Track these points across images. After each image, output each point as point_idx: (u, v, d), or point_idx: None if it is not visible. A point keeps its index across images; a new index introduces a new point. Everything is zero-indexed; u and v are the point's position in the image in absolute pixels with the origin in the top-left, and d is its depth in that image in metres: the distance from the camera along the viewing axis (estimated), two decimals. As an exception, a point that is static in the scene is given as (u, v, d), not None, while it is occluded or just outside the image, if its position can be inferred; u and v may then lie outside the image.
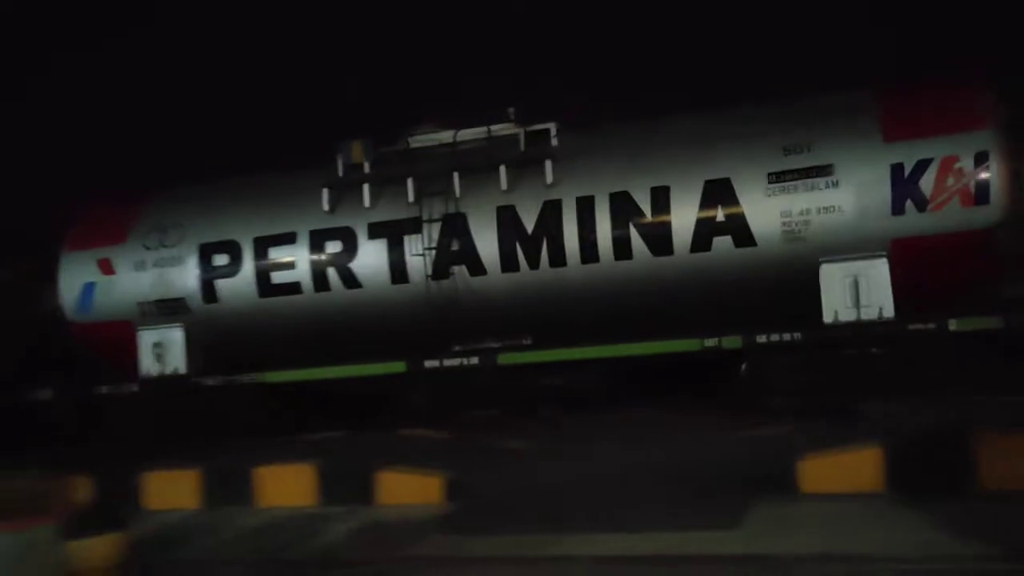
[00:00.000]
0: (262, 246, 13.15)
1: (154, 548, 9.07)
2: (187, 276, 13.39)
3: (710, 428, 11.03)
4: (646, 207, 11.89)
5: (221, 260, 13.28)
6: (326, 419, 13.37)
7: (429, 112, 13.61)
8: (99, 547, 8.03)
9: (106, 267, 13.70)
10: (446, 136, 13.01)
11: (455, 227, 12.48)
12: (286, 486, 10.40)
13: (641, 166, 12.07)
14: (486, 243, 12.40)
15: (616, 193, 11.99)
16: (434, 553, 8.27)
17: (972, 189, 10.97)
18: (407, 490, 9.93)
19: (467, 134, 12.97)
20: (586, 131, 12.85)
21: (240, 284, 13.23)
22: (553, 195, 12.21)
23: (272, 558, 8.68)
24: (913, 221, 11.13)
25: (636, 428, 11.66)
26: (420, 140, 13.19)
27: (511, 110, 13.07)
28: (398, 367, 12.78)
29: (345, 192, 12.99)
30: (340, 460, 10.76)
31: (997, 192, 10.91)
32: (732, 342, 11.72)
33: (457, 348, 12.80)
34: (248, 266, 13.19)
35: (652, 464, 9.89)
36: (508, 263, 12.33)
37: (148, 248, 13.55)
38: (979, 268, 10.99)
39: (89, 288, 13.70)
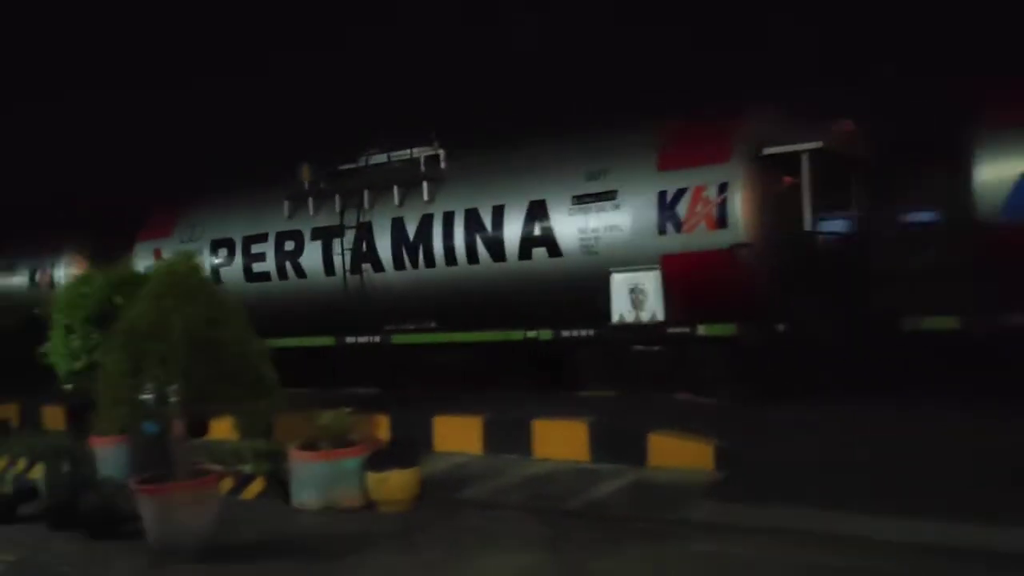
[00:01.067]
0: (247, 243, 17.18)
1: (441, 486, 10.01)
2: (204, 264, 17.63)
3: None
4: (488, 221, 14.58)
5: (223, 253, 17.48)
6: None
7: (379, 135, 16.77)
8: (395, 480, 9.42)
9: (158, 255, 18.15)
10: (361, 161, 16.31)
11: (364, 233, 15.82)
12: (561, 440, 11.04)
13: (486, 187, 14.77)
14: (384, 247, 15.63)
15: (469, 209, 14.76)
16: (704, 519, 8.26)
17: (715, 214, 12.72)
18: (678, 454, 10.10)
19: (377, 158, 16.20)
20: (463, 156, 15.58)
21: (234, 272, 17.37)
22: (429, 210, 15.20)
23: (547, 506, 9.11)
24: (674, 240, 13.04)
25: (933, 407, 10.97)
26: (363, 161, 16.50)
27: (432, 134, 16.02)
28: (329, 341, 16.41)
29: (300, 202, 16.69)
30: (613, 420, 11.15)
31: (736, 217, 12.58)
32: (545, 334, 14.23)
33: (389, 327, 16.12)
34: (238, 258, 17.28)
35: (954, 446, 9.22)
36: (398, 263, 15.51)
37: (182, 241, 18.01)
38: (730, 281, 12.69)
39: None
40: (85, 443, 11.56)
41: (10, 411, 16.70)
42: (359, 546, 8.32)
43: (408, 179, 15.58)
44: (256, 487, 10.48)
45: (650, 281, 13.31)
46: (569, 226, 13.86)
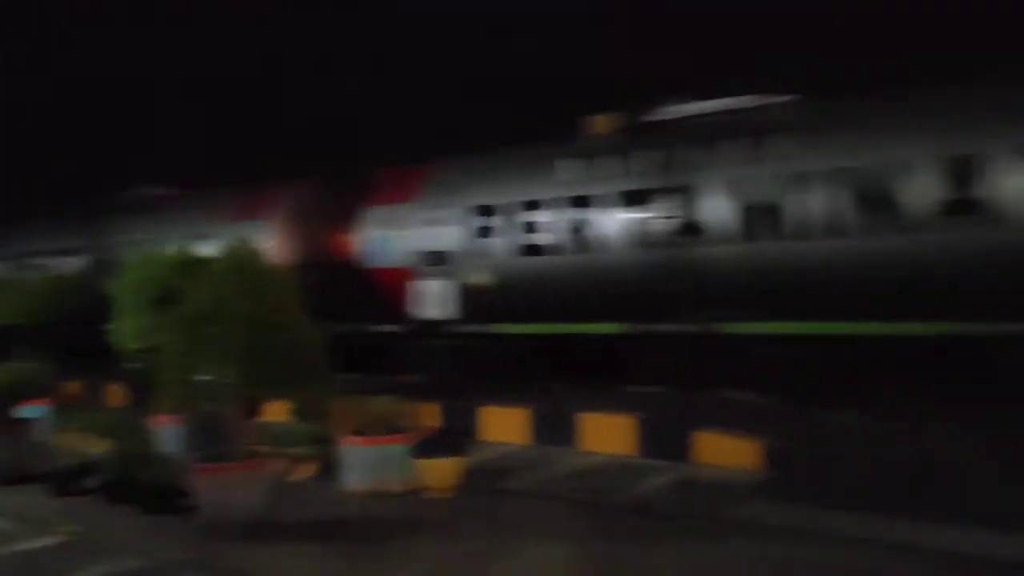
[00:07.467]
0: (520, 209, 13.27)
1: (486, 476, 9.59)
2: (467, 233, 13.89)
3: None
4: (876, 182, 10.26)
5: (485, 222, 13.65)
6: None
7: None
8: (442, 467, 8.99)
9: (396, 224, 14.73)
10: (676, 110, 12.46)
11: (687, 198, 11.72)
12: (607, 434, 10.37)
13: (869, 139, 10.59)
14: (718, 214, 11.45)
15: (844, 168, 10.53)
16: (747, 518, 7.76)
17: None
18: (725, 452, 9.38)
19: (701, 107, 12.29)
20: (823, 102, 11.55)
21: (501, 244, 13.44)
22: (783, 169, 10.89)
23: (591, 500, 8.66)
24: None
25: (993, 414, 9.52)
26: (678, 110, 12.55)
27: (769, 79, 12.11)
28: (617, 328, 12.42)
29: (592, 161, 12.70)
30: (661, 415, 10.45)
31: None
32: None
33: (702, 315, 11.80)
34: (508, 228, 13.40)
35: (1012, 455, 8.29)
36: (744, 235, 11.24)
37: (431, 207, 14.39)
38: None
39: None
40: (145, 421, 11.79)
41: (74, 388, 16.47)
42: (404, 531, 7.99)
43: (751, 131, 11.25)
44: (307, 470, 10.20)
45: None
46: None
